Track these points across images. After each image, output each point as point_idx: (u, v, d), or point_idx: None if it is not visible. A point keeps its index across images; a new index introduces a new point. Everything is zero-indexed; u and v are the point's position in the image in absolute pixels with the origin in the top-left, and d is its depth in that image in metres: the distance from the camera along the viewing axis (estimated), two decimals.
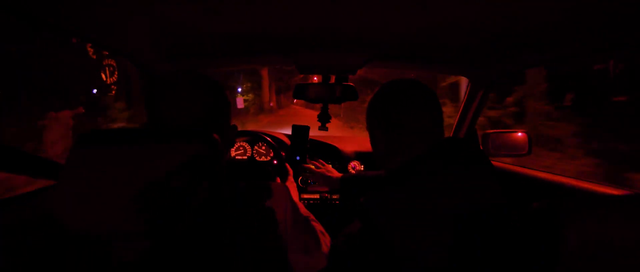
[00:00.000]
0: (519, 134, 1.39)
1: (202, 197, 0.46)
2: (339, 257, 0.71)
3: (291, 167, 1.34)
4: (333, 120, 1.32)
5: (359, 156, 1.66)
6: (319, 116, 1.24)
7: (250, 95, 18.07)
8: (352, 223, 0.87)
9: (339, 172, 1.63)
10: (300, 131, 1.40)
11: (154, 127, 0.57)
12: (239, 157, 1.63)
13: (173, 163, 0.44)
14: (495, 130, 1.41)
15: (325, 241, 0.73)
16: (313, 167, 1.35)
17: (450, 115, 4.47)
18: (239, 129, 0.83)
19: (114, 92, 10.33)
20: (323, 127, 1.28)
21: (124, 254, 0.45)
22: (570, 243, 0.44)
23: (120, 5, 0.69)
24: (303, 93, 1.16)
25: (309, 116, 14.72)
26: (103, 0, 0.66)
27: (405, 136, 0.73)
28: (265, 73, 19.21)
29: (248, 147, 1.64)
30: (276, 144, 1.59)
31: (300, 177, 1.60)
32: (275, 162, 1.57)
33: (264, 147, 1.62)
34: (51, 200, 0.43)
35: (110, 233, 0.44)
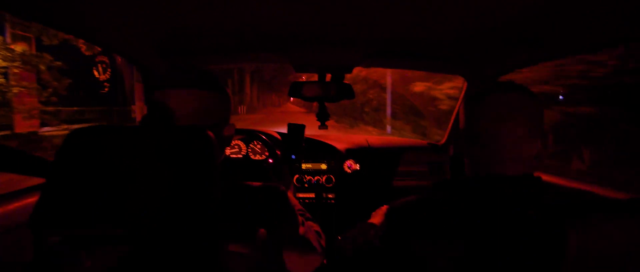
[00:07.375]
0: None
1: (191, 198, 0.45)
2: (347, 264, 0.68)
3: (287, 166, 1.33)
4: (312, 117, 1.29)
5: (353, 154, 1.65)
6: (317, 115, 1.23)
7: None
8: (357, 226, 0.83)
9: (335, 170, 1.63)
10: (296, 130, 1.39)
11: (152, 123, 0.56)
12: (234, 156, 1.62)
13: (163, 163, 0.43)
14: None
15: (321, 241, 0.73)
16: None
17: None
18: None
19: (106, 89, 10.22)
20: (323, 126, 1.27)
21: (105, 258, 0.43)
22: (572, 248, 0.43)
23: (113, 1, 0.67)
24: (298, 91, 1.15)
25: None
26: None
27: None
28: None
29: (243, 146, 1.63)
30: (271, 142, 1.58)
31: (296, 176, 1.59)
32: (270, 160, 1.56)
33: (259, 146, 1.61)
34: (41, 199, 0.42)
35: (93, 235, 0.43)
